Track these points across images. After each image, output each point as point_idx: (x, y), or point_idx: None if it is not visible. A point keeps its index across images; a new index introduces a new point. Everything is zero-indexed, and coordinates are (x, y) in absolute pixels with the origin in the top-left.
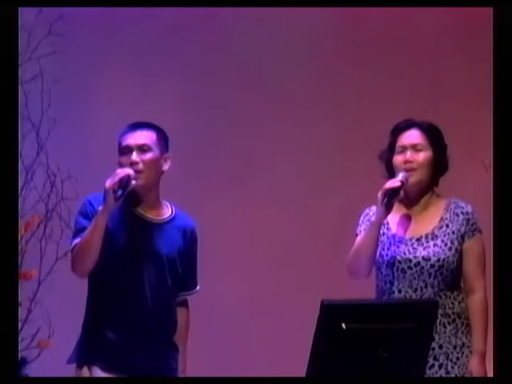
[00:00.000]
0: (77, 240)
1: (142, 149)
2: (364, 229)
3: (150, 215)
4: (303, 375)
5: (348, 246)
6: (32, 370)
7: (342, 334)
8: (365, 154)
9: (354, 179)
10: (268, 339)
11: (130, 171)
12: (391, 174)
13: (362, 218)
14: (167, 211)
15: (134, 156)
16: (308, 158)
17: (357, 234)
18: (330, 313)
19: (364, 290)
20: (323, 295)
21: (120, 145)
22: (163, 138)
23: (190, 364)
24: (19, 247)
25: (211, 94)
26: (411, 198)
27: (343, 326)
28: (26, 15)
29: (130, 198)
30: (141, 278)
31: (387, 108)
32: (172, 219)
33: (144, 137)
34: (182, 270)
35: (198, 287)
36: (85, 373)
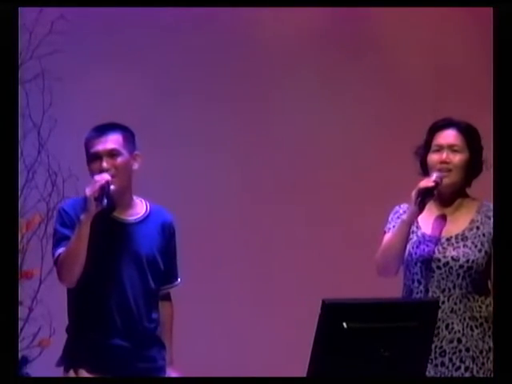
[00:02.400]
0: (60, 250)
1: (112, 154)
2: (393, 226)
3: (125, 216)
4: (304, 375)
5: (347, 243)
6: (33, 370)
7: (343, 333)
8: (366, 152)
9: (351, 178)
10: (269, 339)
11: (107, 177)
12: (425, 171)
13: (391, 216)
14: (142, 209)
15: (104, 163)
16: (300, 151)
17: (385, 232)
18: (331, 312)
19: (365, 289)
20: (324, 294)
21: (88, 151)
22: (130, 138)
23: (191, 364)
24: (21, 246)
25: (210, 91)
26: (444, 199)
27: (344, 325)
28: (27, 14)
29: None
30: (121, 280)
31: (388, 108)
32: (147, 216)
33: (111, 141)
34: (163, 266)
35: (178, 279)
36: (71, 376)
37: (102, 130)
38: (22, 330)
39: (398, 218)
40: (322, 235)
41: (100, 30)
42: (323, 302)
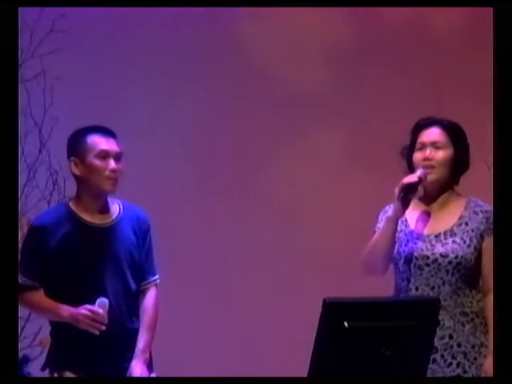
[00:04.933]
0: (24, 281)
1: (117, 157)
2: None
3: (100, 220)
4: (305, 374)
5: (349, 242)
6: (34, 369)
7: (344, 332)
8: (366, 151)
9: (354, 177)
10: (269, 338)
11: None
12: (412, 170)
13: (380, 215)
14: (115, 210)
15: (114, 164)
16: (297, 151)
17: (374, 231)
18: (333, 311)
19: (367, 288)
20: (325, 293)
21: (92, 147)
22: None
23: (192, 364)
24: (22, 245)
25: (207, 90)
26: (430, 196)
27: (345, 324)
28: (29, 13)
29: (76, 209)
30: (103, 284)
31: (389, 108)
32: (122, 217)
33: (117, 145)
34: (141, 263)
35: (156, 276)
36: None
37: (107, 132)
38: (23, 329)
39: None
40: (323, 234)
41: (101, 29)
42: (324, 301)
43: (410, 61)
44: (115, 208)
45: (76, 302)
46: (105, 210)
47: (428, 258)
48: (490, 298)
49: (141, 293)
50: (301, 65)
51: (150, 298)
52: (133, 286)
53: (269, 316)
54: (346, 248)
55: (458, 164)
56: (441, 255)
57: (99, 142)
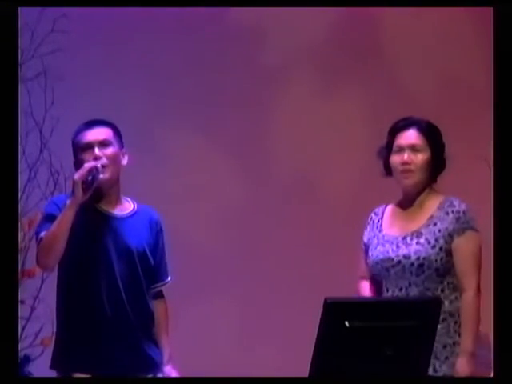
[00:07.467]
0: (42, 233)
1: (103, 144)
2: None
3: (115, 210)
4: (305, 374)
5: (350, 241)
6: (35, 369)
7: (345, 331)
8: (367, 151)
9: (354, 176)
10: (270, 338)
11: (97, 164)
12: (389, 172)
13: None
14: (129, 206)
15: (97, 151)
16: (300, 153)
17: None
18: (333, 311)
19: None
20: (326, 292)
21: (78, 143)
22: (119, 134)
23: (190, 364)
24: (22, 245)
25: (208, 91)
26: (408, 198)
27: (346, 323)
28: (29, 13)
29: (92, 195)
30: (113, 274)
31: (389, 108)
32: (136, 213)
33: (103, 132)
34: (153, 262)
35: (169, 278)
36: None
37: (92, 123)
38: (24, 328)
39: (369, 224)
40: (323, 234)
41: (102, 29)
42: (325, 300)
43: (410, 62)
44: (129, 204)
45: (85, 286)
46: (118, 202)
47: (392, 260)
48: (462, 298)
49: (156, 294)
50: (302, 70)
51: (163, 301)
52: (143, 280)
53: (269, 316)
54: (347, 247)
55: (436, 165)
56: (404, 257)
57: (82, 136)
